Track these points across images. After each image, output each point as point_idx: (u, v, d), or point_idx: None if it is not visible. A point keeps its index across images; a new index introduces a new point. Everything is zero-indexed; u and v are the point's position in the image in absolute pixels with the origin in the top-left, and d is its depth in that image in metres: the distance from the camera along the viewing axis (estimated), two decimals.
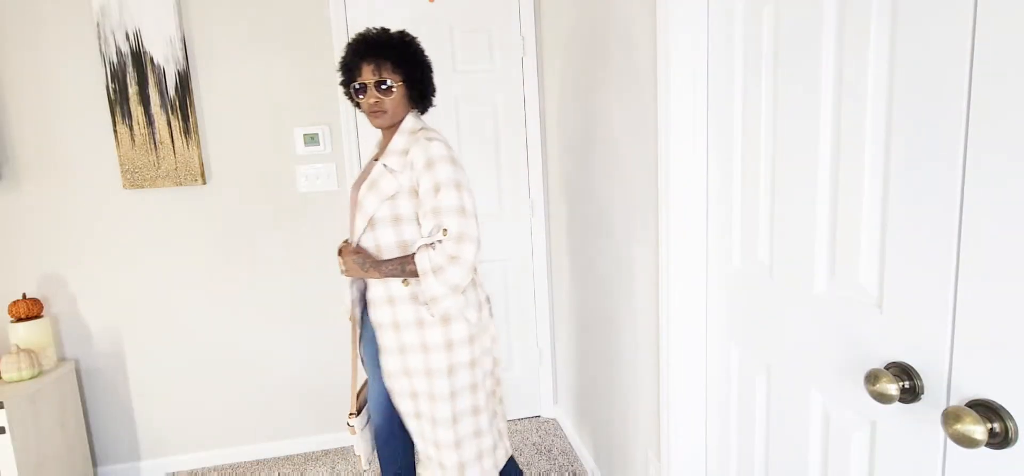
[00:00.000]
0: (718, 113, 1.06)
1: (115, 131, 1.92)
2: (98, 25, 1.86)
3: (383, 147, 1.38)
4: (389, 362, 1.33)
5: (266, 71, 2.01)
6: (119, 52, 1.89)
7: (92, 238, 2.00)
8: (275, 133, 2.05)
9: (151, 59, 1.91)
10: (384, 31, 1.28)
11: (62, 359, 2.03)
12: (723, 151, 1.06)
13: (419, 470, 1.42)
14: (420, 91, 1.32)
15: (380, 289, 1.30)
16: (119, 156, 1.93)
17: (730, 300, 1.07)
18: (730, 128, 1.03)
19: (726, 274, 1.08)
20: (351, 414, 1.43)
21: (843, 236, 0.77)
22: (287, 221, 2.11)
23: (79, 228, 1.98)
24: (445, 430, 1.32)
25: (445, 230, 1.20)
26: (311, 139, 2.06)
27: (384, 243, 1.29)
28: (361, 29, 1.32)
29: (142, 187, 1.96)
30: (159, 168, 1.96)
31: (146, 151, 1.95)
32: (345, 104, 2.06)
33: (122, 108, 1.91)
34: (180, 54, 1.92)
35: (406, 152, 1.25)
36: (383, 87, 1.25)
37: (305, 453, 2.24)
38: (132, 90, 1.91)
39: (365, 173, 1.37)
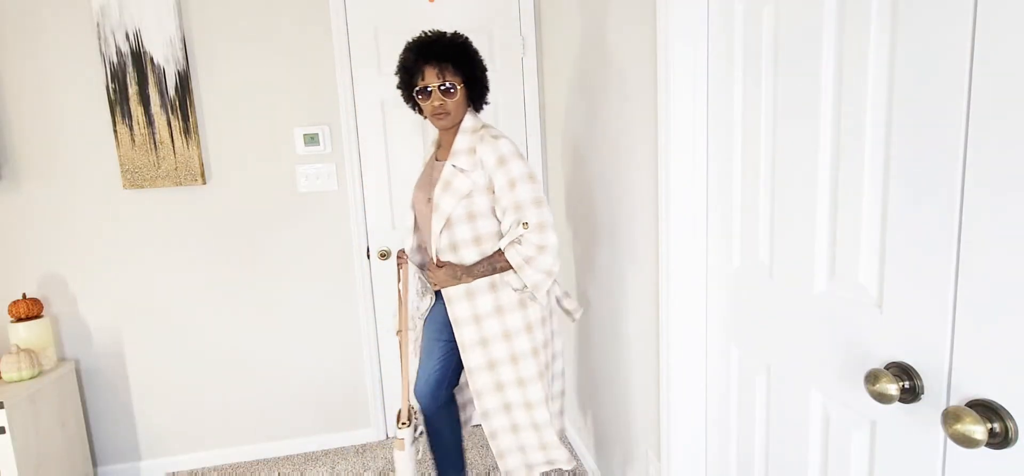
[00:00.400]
0: (718, 113, 1.06)
1: (115, 131, 1.92)
2: (98, 25, 1.86)
3: (445, 147, 1.41)
4: (472, 358, 1.37)
5: (266, 71, 2.01)
6: (119, 52, 1.89)
7: (92, 238, 2.00)
8: (275, 133, 2.05)
9: (151, 59, 1.91)
10: (442, 34, 1.32)
11: (62, 359, 2.03)
12: (723, 151, 1.06)
13: (504, 465, 1.44)
14: (478, 91, 1.36)
15: (459, 285, 1.35)
16: (119, 156, 1.93)
17: (730, 300, 1.07)
18: (730, 128, 1.03)
19: (726, 274, 1.08)
20: (402, 423, 1.40)
21: (843, 236, 0.77)
22: (287, 221, 2.11)
23: (79, 228, 1.98)
24: (541, 410, 1.38)
25: (525, 224, 1.29)
26: (311, 139, 2.06)
27: (460, 239, 1.35)
28: (416, 34, 1.36)
29: (142, 187, 1.96)
30: (159, 168, 1.96)
31: (146, 151, 1.95)
32: (345, 104, 2.06)
33: (122, 108, 1.91)
34: (180, 54, 1.92)
35: (473, 151, 1.31)
36: (446, 90, 1.29)
37: (305, 453, 2.24)
38: (132, 90, 1.91)
39: (428, 175, 1.43)
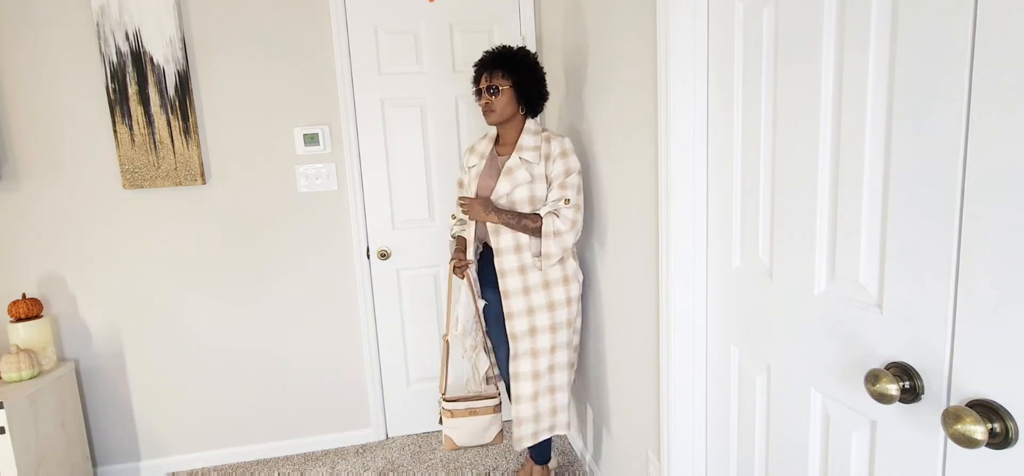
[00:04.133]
0: (718, 113, 1.06)
1: (115, 131, 1.92)
2: (98, 25, 1.86)
3: (507, 145, 1.64)
4: (514, 303, 1.59)
5: (266, 71, 2.01)
6: (119, 52, 1.89)
7: (92, 238, 2.00)
8: (275, 133, 2.05)
9: (151, 59, 1.91)
10: (502, 47, 1.59)
11: (62, 359, 2.03)
12: (723, 151, 1.06)
13: (518, 410, 1.62)
14: (526, 95, 1.59)
15: (509, 239, 1.57)
16: (119, 156, 1.93)
17: (730, 300, 1.07)
18: (730, 128, 1.03)
19: (726, 274, 1.08)
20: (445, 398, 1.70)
21: (843, 236, 0.77)
22: (287, 221, 2.11)
23: (79, 228, 1.98)
24: (563, 374, 1.64)
25: (567, 200, 1.53)
26: (311, 139, 2.06)
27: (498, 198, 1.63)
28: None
29: (142, 187, 1.96)
30: (159, 168, 1.96)
31: (146, 151, 1.95)
32: (345, 104, 2.06)
33: (122, 108, 1.91)
34: (180, 54, 1.92)
35: (538, 148, 1.58)
36: (491, 91, 1.55)
37: (305, 453, 2.24)
38: (132, 90, 1.91)
39: (492, 165, 1.65)
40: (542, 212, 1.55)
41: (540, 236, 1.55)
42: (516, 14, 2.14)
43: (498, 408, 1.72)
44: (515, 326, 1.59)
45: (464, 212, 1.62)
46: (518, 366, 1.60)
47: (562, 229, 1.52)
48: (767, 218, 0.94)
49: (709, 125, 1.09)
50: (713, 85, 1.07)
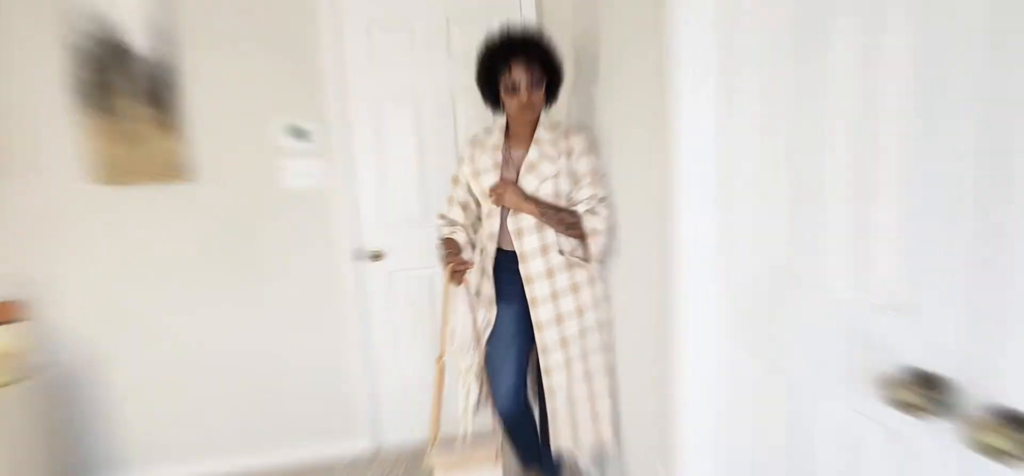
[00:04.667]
0: (730, 109, 1.03)
1: (91, 125, 1.85)
2: (72, 15, 1.79)
3: (522, 137, 1.51)
4: (543, 312, 1.46)
5: (252, 63, 1.96)
6: (96, 41, 1.82)
7: (69, 239, 1.93)
8: (261, 128, 2.00)
9: (132, 49, 1.84)
10: (528, 32, 1.44)
11: (39, 365, 1.96)
12: (736, 148, 1.03)
13: (556, 425, 1.52)
14: (554, 88, 1.50)
15: (535, 241, 1.45)
16: (95, 151, 1.86)
17: (742, 305, 1.05)
18: (744, 123, 1.00)
19: (738, 278, 1.05)
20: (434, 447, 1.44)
21: (862, 237, 0.75)
22: (274, 219, 2.05)
23: (55, 228, 1.92)
24: (596, 357, 1.54)
25: (602, 198, 1.45)
26: (301, 135, 2.01)
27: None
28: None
29: (121, 184, 1.89)
30: (139, 164, 1.90)
31: (125, 146, 1.88)
32: (337, 99, 2.01)
33: (100, 102, 1.85)
34: (163, 44, 1.86)
35: (556, 142, 1.46)
36: (537, 85, 1.42)
37: (293, 465, 2.18)
38: (110, 84, 1.84)
39: (506, 160, 1.51)
40: (580, 208, 1.46)
41: (575, 234, 1.46)
42: (517, 7, 2.10)
43: (499, 455, 1.47)
44: (546, 338, 1.47)
45: (494, 200, 1.46)
46: (552, 380, 1.50)
47: (599, 228, 1.44)
48: (781, 218, 0.91)
49: (721, 121, 1.07)
50: (723, 82, 1.04)
